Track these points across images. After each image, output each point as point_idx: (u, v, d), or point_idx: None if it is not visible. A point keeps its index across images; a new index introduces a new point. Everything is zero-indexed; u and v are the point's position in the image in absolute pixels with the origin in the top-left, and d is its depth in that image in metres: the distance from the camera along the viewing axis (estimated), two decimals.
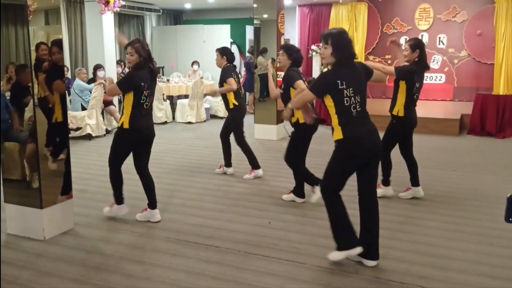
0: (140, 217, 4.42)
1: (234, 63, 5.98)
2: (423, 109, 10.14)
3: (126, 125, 4.09)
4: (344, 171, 3.39)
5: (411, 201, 4.94)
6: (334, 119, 3.33)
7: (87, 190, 5.33)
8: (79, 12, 11.42)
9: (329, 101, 3.32)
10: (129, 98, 4.10)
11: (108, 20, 9.65)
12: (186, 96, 10.57)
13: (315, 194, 4.73)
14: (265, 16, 8.68)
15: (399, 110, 4.71)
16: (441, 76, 11.45)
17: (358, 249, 3.40)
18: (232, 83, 5.58)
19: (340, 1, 12.19)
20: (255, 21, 8.85)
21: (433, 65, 11.27)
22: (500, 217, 2.53)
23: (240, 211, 4.67)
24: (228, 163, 6.07)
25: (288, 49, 4.75)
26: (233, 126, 5.84)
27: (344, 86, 3.24)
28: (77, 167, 5.92)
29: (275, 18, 8.45)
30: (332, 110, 3.32)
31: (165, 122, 10.09)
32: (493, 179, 5.80)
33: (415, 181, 5.00)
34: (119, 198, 4.39)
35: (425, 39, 11.69)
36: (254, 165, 5.88)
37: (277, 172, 6.00)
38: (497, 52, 10.75)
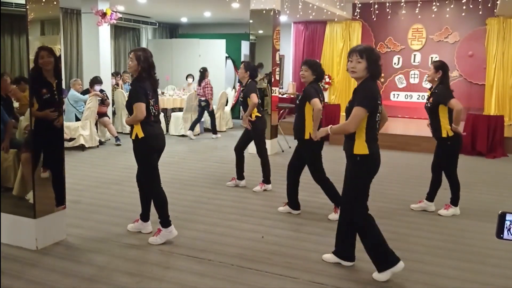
0: (131, 227, 4.42)
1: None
2: (415, 128, 10.26)
3: (140, 134, 4.00)
4: (366, 187, 3.47)
5: (402, 218, 4.98)
6: (361, 134, 3.33)
7: (80, 201, 5.32)
8: (76, 23, 11.49)
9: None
10: None
11: (105, 32, 9.72)
12: (180, 109, 10.60)
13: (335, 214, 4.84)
14: (261, 32, 8.79)
15: (447, 131, 4.87)
16: None
17: (401, 264, 3.46)
18: (254, 98, 5.70)
19: (335, 20, 12.36)
20: (250, 37, 8.96)
21: (425, 84, 11.43)
22: (492, 235, 2.57)
23: (233, 225, 4.68)
24: (240, 176, 6.12)
25: (312, 64, 4.80)
26: (256, 137, 5.94)
27: (380, 102, 3.33)
28: (70, 178, 5.89)
29: (271, 34, 8.54)
30: (362, 125, 3.32)
31: None
32: (484, 198, 5.86)
33: (431, 197, 5.23)
34: (167, 221, 4.13)
35: (418, 59, 11.88)
36: (267, 179, 5.97)
37: (271, 187, 6.01)
38: (488, 73, 10.95)
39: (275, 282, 3.47)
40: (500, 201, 5.76)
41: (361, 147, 3.34)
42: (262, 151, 5.93)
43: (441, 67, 4.92)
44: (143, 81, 4.07)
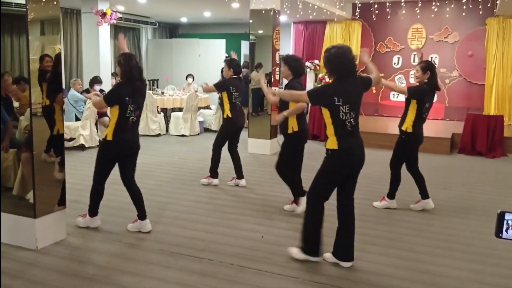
0: (131, 227, 4.43)
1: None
2: None
3: (109, 137, 4.13)
4: (332, 180, 3.58)
5: (402, 218, 4.98)
6: (330, 129, 3.47)
7: (80, 201, 5.31)
8: (75, 23, 11.49)
9: (326, 112, 3.47)
10: (115, 111, 4.12)
11: (105, 32, 9.73)
12: (180, 109, 10.61)
13: (299, 206, 4.87)
14: (261, 32, 8.79)
15: (408, 126, 4.98)
16: None
17: (318, 259, 3.70)
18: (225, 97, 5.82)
19: (335, 19, 12.36)
20: (250, 37, 8.95)
21: None
22: (491, 235, 2.57)
23: (233, 224, 4.68)
24: (240, 175, 6.14)
25: (286, 59, 4.88)
26: (219, 132, 6.07)
27: (341, 103, 3.38)
28: (70, 177, 5.88)
29: (271, 34, 8.54)
30: (328, 121, 3.46)
31: (159, 135, 10.10)
32: (483, 198, 5.87)
33: (424, 194, 5.23)
34: (95, 211, 4.45)
35: (417, 59, 11.87)
36: (213, 174, 6.11)
37: (271, 187, 6.02)
38: (488, 73, 10.95)
39: (275, 282, 3.47)
40: (500, 201, 5.76)
41: (331, 142, 3.48)
42: (216, 147, 5.98)
43: (428, 67, 4.96)
44: (123, 85, 4.14)
